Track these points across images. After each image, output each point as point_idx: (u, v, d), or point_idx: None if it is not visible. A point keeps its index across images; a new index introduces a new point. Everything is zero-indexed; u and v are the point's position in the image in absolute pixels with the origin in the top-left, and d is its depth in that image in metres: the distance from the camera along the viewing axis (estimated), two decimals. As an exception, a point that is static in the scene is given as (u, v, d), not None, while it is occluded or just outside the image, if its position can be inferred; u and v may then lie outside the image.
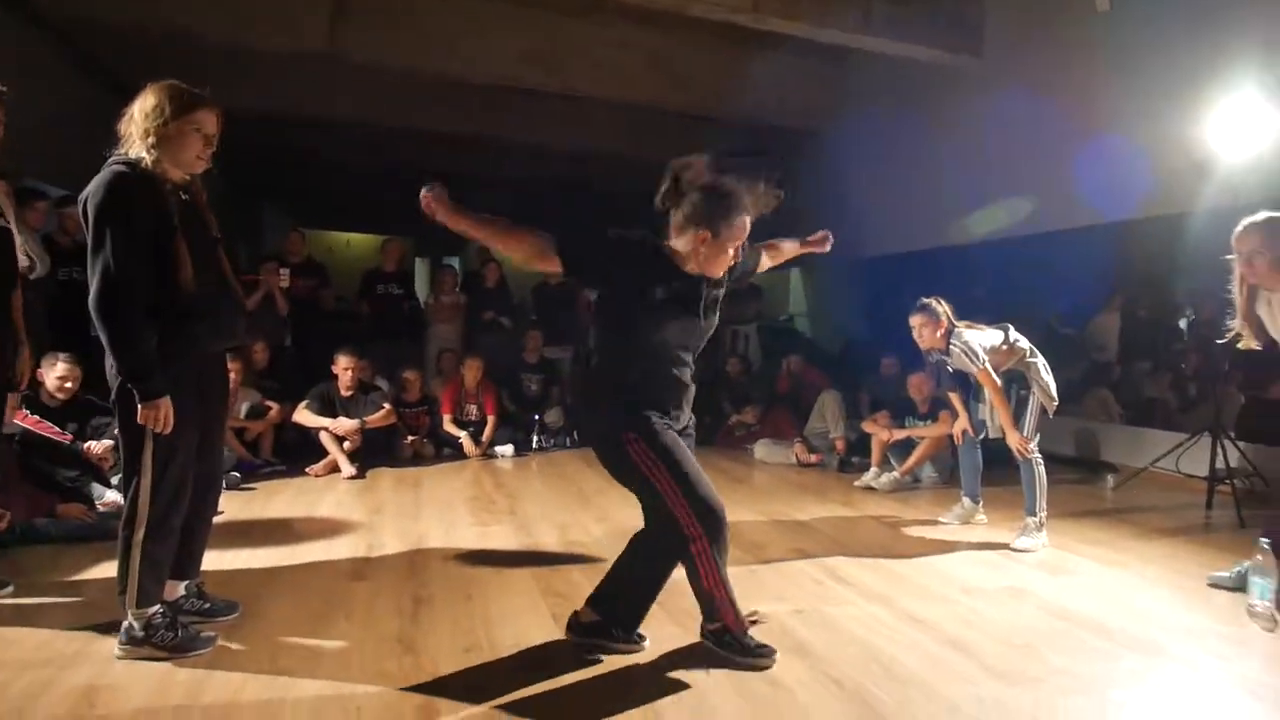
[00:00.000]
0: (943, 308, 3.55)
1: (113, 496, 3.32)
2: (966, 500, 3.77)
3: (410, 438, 5.25)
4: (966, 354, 3.39)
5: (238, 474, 4.27)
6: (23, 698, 1.85)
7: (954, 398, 3.83)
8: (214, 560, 2.80)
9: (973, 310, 4.22)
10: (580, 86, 6.60)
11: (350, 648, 2.18)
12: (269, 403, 4.82)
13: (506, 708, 1.85)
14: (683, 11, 5.25)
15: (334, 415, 4.77)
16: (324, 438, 4.68)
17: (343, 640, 2.23)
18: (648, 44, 6.57)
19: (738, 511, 3.84)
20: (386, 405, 4.97)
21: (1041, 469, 3.41)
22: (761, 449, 5.42)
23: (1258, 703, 1.98)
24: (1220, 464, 4.13)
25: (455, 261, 14.01)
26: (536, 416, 5.80)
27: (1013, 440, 3.40)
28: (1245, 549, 2.70)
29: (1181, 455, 4.45)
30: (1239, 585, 2.70)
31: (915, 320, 3.59)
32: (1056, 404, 3.47)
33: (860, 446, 5.03)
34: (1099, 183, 4.97)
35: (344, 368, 4.82)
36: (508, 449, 5.45)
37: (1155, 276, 6.62)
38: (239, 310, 2.26)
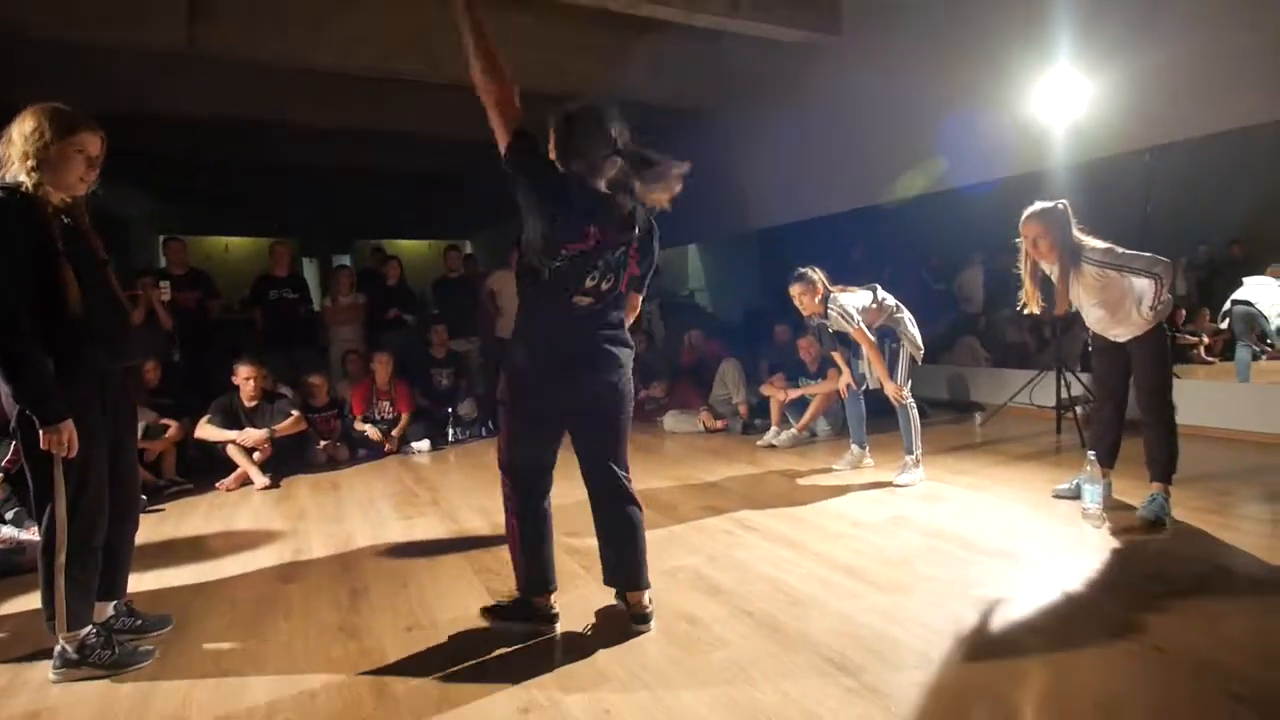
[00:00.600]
0: (818, 275, 3.89)
1: (9, 531, 3.18)
2: (855, 448, 4.17)
3: (323, 442, 5.19)
4: (843, 316, 3.77)
5: (144, 497, 4.12)
6: (-42, 733, 1.85)
7: (837, 356, 4.21)
8: (135, 582, 2.76)
9: (853, 271, 4.64)
10: (456, 75, 6.55)
11: (294, 642, 2.27)
12: (165, 421, 4.65)
13: (455, 675, 2.01)
14: (558, -1, 5.35)
15: (239, 427, 4.66)
16: (232, 450, 4.57)
17: (285, 637, 2.31)
18: (522, 29, 6.60)
19: (651, 479, 4.12)
20: (295, 412, 4.89)
21: (915, 412, 3.85)
22: (670, 420, 5.71)
23: (1088, 588, 2.40)
24: (1065, 394, 4.75)
25: (346, 260, 13.57)
26: (450, 410, 5.84)
27: (889, 389, 3.82)
28: (1084, 464, 3.18)
29: (1035, 389, 5.07)
30: (1076, 494, 3.19)
31: (794, 290, 3.92)
32: (923, 352, 3.90)
33: (761, 409, 5.40)
34: (956, 150, 5.49)
35: (245, 377, 4.71)
36: (424, 444, 5.48)
37: (1008, 232, 7.36)
38: (131, 329, 2.26)
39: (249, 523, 3.78)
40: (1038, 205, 3.06)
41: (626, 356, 2.21)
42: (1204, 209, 5.94)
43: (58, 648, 2.06)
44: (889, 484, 3.74)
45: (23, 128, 1.98)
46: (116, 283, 2.19)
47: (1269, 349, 5.48)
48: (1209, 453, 4.09)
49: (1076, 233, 3.00)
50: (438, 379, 6.07)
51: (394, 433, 5.42)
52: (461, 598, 2.54)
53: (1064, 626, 2.11)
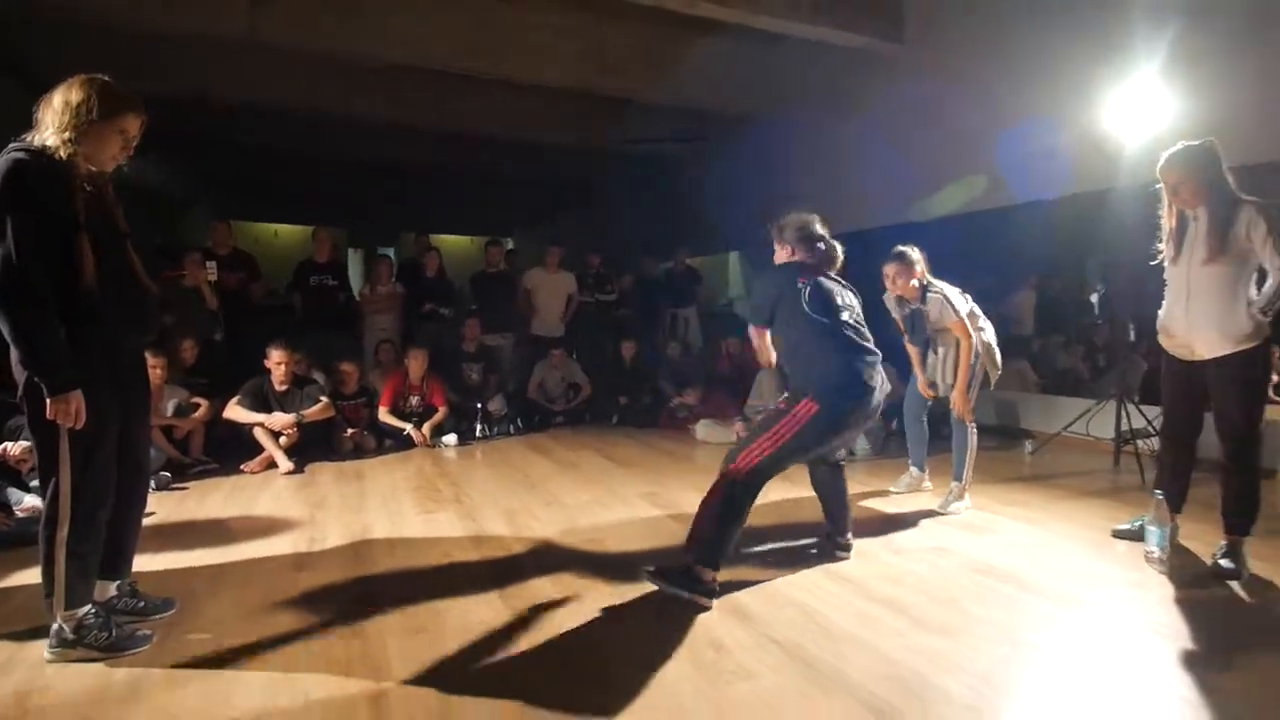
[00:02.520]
0: (918, 255, 3.60)
1: (31, 501, 3.17)
2: (914, 469, 3.91)
3: (350, 430, 5.16)
4: (946, 302, 3.48)
5: (168, 474, 4.13)
6: (-54, 708, 1.78)
7: (914, 353, 3.83)
8: (146, 562, 2.73)
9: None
10: (517, 73, 6.53)
11: (295, 637, 2.17)
12: (197, 399, 4.65)
13: (458, 687, 1.88)
14: (616, -2, 5.25)
15: (268, 411, 4.64)
16: (258, 433, 4.55)
17: (287, 630, 2.22)
18: (574, 27, 6.53)
19: (679, 490, 3.96)
20: (324, 398, 4.86)
21: (975, 436, 3.61)
22: (703, 429, 5.54)
23: (1154, 637, 2.17)
24: (1125, 426, 4.45)
25: (390, 252, 13.72)
26: (479, 405, 5.77)
27: (958, 399, 3.56)
28: (1147, 503, 2.92)
29: (1091, 420, 4.77)
30: (1139, 535, 2.93)
31: (890, 269, 3.60)
32: (1000, 373, 3.65)
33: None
34: (1014, 166, 5.23)
35: (277, 361, 4.69)
36: (451, 439, 5.41)
37: (1067, 255, 7.03)
38: (148, 305, 2.19)
39: (269, 508, 3.72)
40: (1180, 144, 2.69)
41: None
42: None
43: (54, 626, 1.99)
44: (931, 511, 3.52)
45: (69, 96, 1.94)
46: (137, 258, 2.13)
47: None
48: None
49: (1231, 176, 2.61)
50: (468, 373, 6.00)
51: (426, 426, 5.36)
52: (473, 604, 2.42)
53: (1126, 682, 1.90)
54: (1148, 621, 2.29)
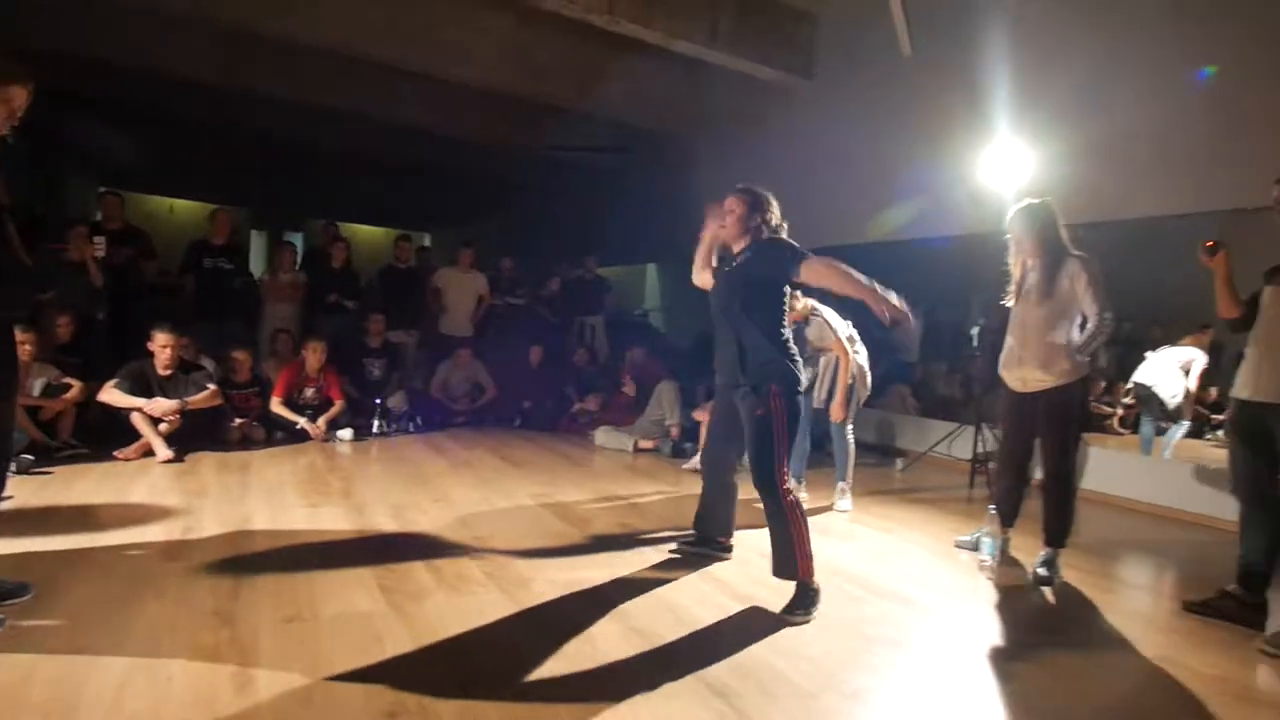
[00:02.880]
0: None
1: None
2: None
3: (239, 420, 5.01)
4: (827, 325, 3.89)
5: (30, 457, 3.90)
6: None
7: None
8: (1, 546, 2.62)
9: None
10: (435, 67, 6.52)
11: (161, 624, 2.16)
12: (69, 380, 4.41)
13: (326, 670, 1.93)
14: (539, 5, 5.36)
15: (149, 396, 4.45)
16: (137, 419, 4.36)
17: (153, 618, 2.20)
18: (508, 31, 6.60)
19: (573, 492, 4.09)
20: (211, 385, 4.71)
21: (853, 443, 4.04)
22: (602, 435, 5.69)
23: (972, 634, 2.47)
24: (981, 449, 4.91)
25: (299, 239, 13.20)
26: (378, 400, 5.71)
27: (838, 410, 3.96)
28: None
29: (953, 442, 5.22)
30: (977, 546, 3.28)
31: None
32: (869, 393, 4.02)
33: (693, 434, 5.41)
34: (910, 204, 5.67)
35: (162, 345, 4.51)
36: (347, 434, 5.33)
37: (953, 289, 7.63)
38: (22, 280, 2.14)
39: (143, 496, 3.60)
40: (1024, 201, 3.12)
41: None
42: (1134, 288, 6.25)
43: (-106, 607, 1.91)
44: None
45: None
46: (13, 230, 2.07)
47: (1168, 425, 5.75)
48: (1109, 519, 4.27)
49: (1064, 232, 3.03)
50: (369, 368, 5.93)
51: (321, 420, 5.26)
52: (350, 593, 2.46)
53: (941, 672, 2.16)
54: (969, 620, 2.60)
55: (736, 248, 2.75)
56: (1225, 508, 3.87)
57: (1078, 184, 4.48)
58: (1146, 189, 4.39)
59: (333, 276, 6.39)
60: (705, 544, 3.09)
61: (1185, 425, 5.40)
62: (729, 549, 3.08)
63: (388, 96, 7.48)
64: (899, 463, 5.46)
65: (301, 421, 5.19)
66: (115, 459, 4.23)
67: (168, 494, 3.64)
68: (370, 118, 7.89)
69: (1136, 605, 2.99)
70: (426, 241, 13.63)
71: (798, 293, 3.91)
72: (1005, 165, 4.71)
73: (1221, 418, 6.13)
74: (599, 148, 9.10)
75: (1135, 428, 6.37)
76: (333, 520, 3.33)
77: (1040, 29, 4.91)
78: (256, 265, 10.01)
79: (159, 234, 6.44)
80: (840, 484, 4.05)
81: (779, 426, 2.56)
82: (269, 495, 3.70)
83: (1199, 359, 5.33)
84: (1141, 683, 2.20)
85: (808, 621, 2.43)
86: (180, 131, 9.32)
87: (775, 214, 2.77)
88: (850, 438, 4.09)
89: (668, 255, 10.05)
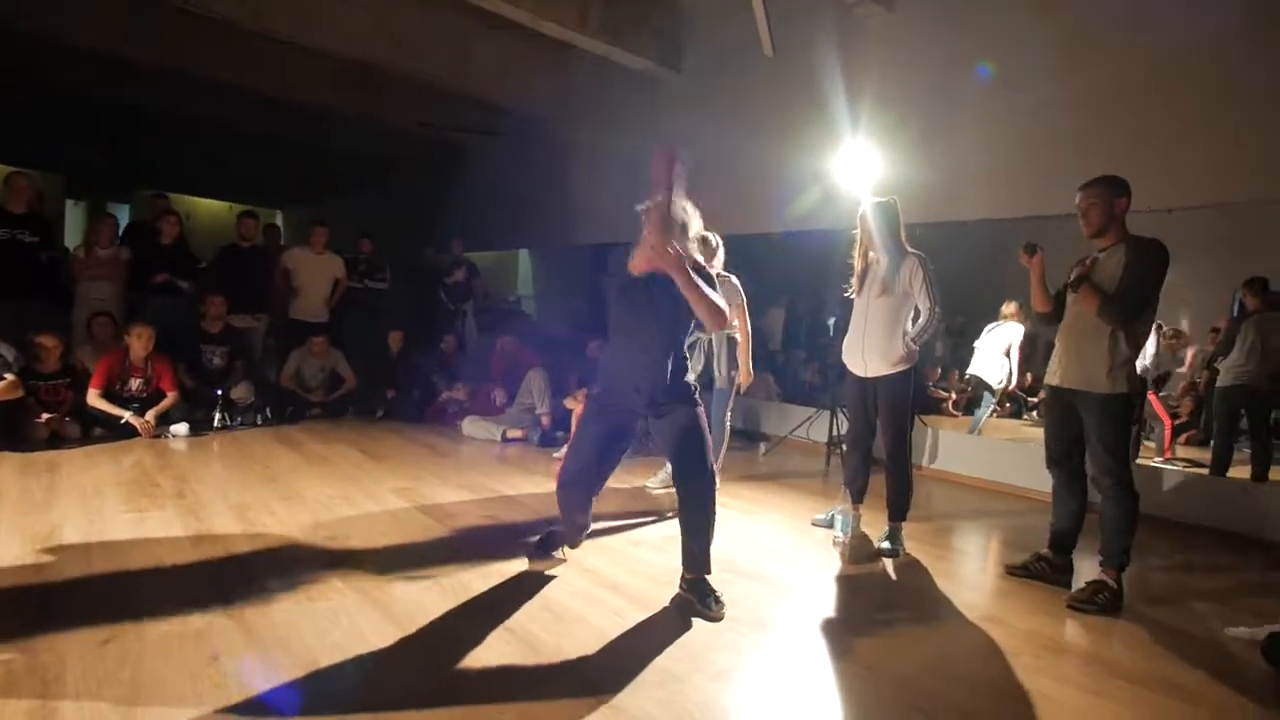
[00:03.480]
0: (719, 242, 3.96)
1: None
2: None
3: (46, 415, 4.40)
4: (737, 287, 3.95)
5: None
6: None
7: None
8: None
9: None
10: (294, 31, 6.00)
11: (-62, 657, 1.85)
12: None
13: (149, 698, 1.73)
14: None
15: (-74, 388, 3.81)
16: (-91, 416, 3.72)
17: (-73, 650, 1.88)
18: (373, 2, 6.19)
19: (439, 486, 3.94)
20: (9, 375, 4.10)
21: (729, 427, 4.15)
22: (469, 424, 5.52)
23: (824, 611, 2.63)
24: (835, 432, 5.23)
25: (125, 211, 11.80)
26: (219, 392, 5.22)
27: (744, 375, 4.04)
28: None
29: (811, 426, 5.53)
30: (831, 524, 3.49)
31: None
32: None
33: (564, 422, 5.38)
34: (772, 200, 5.89)
35: (-58, 329, 3.87)
36: (181, 428, 4.82)
37: (812, 281, 8.06)
38: None
39: (-82, 506, 3.08)
40: (873, 199, 3.32)
41: None
42: (967, 284, 6.88)
43: None
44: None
45: None
46: None
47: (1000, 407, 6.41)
48: (947, 494, 4.68)
49: (903, 231, 3.27)
50: (209, 355, 5.40)
51: (150, 414, 4.72)
52: (181, 607, 2.22)
53: (796, 646, 2.28)
54: (824, 596, 2.76)
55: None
56: (1043, 481, 4.39)
57: (918, 186, 4.86)
58: (975, 194, 4.82)
59: (162, 253, 5.74)
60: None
61: (992, 404, 6.01)
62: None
63: (237, 58, 6.80)
64: (762, 447, 5.71)
65: (126, 415, 4.65)
66: (-120, 464, 3.59)
67: (-49, 503, 3.13)
68: (215, 81, 7.12)
69: (967, 571, 3.30)
70: (278, 220, 12.64)
71: (715, 249, 3.97)
72: (856, 165, 5.00)
73: (1036, 400, 6.94)
74: (467, 128, 8.78)
75: (968, 410, 7.06)
76: (163, 526, 3.00)
77: (889, 39, 5.25)
78: (73, 240, 8.85)
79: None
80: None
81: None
82: (83, 500, 3.27)
83: (1016, 335, 5.94)
84: (967, 641, 2.42)
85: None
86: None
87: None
88: (728, 424, 4.16)
89: (539, 243, 9.91)
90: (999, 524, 4.09)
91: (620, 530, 3.38)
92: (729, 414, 4.17)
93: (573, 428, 5.01)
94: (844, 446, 5.08)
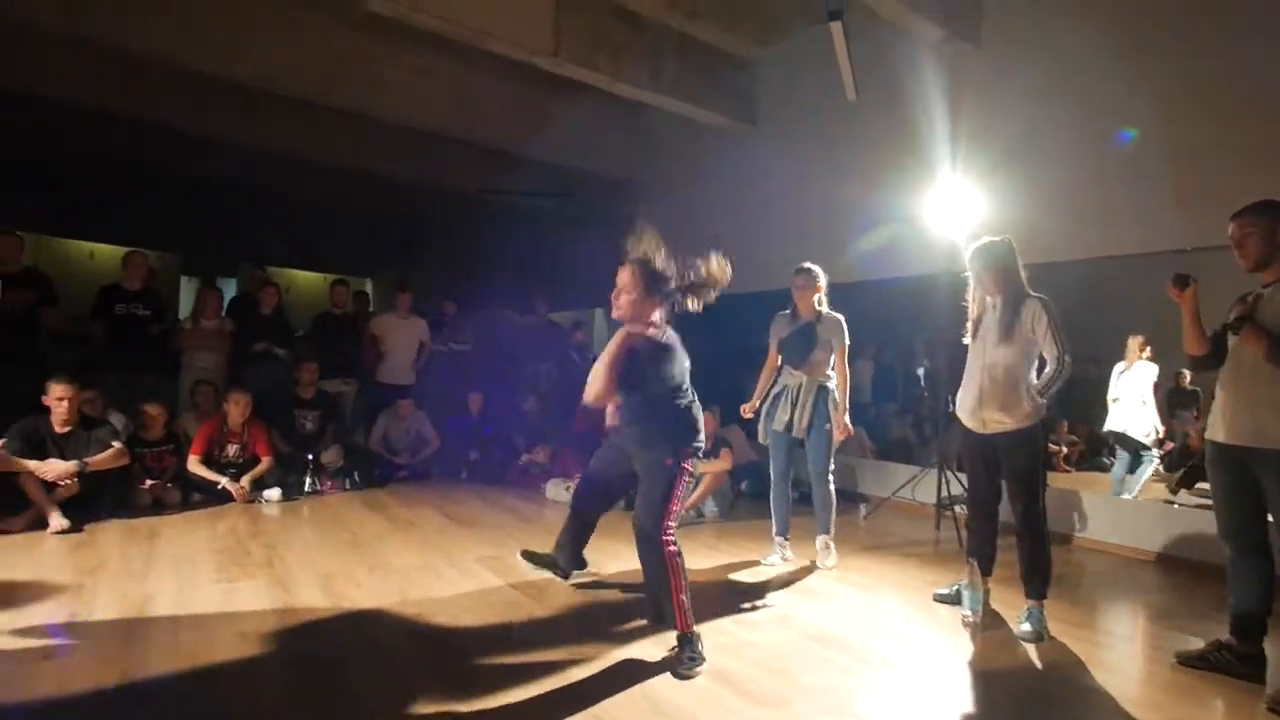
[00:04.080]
0: (820, 272, 3.83)
1: None
2: (779, 539, 3.84)
3: (150, 482, 4.52)
4: (842, 325, 3.77)
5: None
6: None
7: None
8: None
9: (748, 356, 4.55)
10: (376, 108, 6.29)
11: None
12: (-51, 442, 3.90)
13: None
14: (481, 45, 5.22)
15: (43, 456, 3.96)
16: (27, 484, 3.86)
17: (13, 736, 1.81)
18: (445, 73, 6.42)
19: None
20: (117, 443, 4.23)
21: (833, 488, 3.80)
22: (552, 488, 5.37)
23: (958, 701, 2.26)
24: (945, 493, 4.80)
25: (232, 283, 12.56)
26: (310, 456, 5.28)
27: (840, 429, 3.73)
28: (964, 565, 3.10)
29: (916, 486, 5.11)
30: (956, 599, 3.11)
31: (798, 281, 3.85)
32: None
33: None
34: (859, 247, 5.64)
35: (58, 398, 4.03)
36: (274, 493, 4.87)
37: (900, 330, 7.67)
38: None
39: (28, 572, 3.13)
40: (984, 239, 3.04)
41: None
42: (1075, 327, 6.35)
43: None
44: (779, 577, 3.55)
45: None
46: None
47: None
48: (1097, 567, 4.11)
49: (1023, 272, 2.97)
50: (301, 421, 5.50)
51: (244, 479, 4.80)
52: (259, 692, 2.10)
53: (945, 755, 1.94)
54: (955, 686, 2.39)
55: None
56: (1205, 551, 3.82)
57: (1026, 225, 4.52)
58: (1089, 232, 4.45)
59: (262, 323, 5.98)
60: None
61: (1155, 461, 5.31)
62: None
63: (326, 138, 7.18)
64: (862, 509, 5.31)
65: (223, 481, 4.73)
66: (1, 533, 3.71)
67: (59, 570, 3.18)
68: (307, 159, 7.55)
69: (1128, 660, 2.84)
70: (367, 287, 13.20)
71: (815, 277, 3.89)
72: (951, 207, 4.72)
73: (1164, 451, 6.11)
74: (540, 191, 8.95)
75: (1079, 465, 6.41)
76: (251, 598, 2.93)
77: (979, 74, 5.02)
78: (184, 313, 9.42)
79: (78, 282, 5.91)
80: (824, 536, 3.77)
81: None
82: (178, 569, 3.27)
83: (1151, 375, 5.28)
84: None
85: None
86: (100, 171, 8.81)
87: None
88: (831, 485, 3.80)
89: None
90: (1160, 602, 3.55)
91: (724, 606, 3.09)
92: (830, 474, 3.82)
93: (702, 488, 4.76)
94: (957, 508, 4.65)
